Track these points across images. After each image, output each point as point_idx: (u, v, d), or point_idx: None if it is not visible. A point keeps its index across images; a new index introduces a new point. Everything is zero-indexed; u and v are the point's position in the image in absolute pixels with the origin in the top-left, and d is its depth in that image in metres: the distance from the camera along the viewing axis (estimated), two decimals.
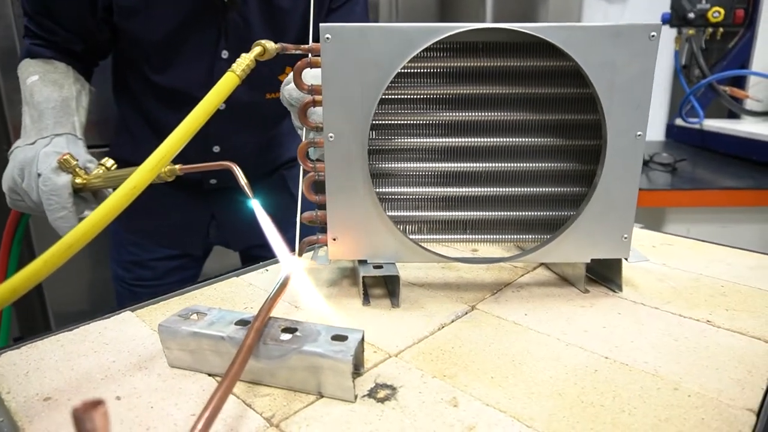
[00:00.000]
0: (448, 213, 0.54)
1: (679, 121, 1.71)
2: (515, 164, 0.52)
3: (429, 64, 0.50)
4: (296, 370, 0.38)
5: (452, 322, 0.48)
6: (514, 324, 0.48)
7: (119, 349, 0.44)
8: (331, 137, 0.48)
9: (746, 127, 1.48)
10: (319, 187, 0.52)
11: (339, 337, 0.38)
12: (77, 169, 0.62)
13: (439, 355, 0.43)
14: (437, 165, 0.52)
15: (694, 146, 1.64)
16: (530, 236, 0.54)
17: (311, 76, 0.49)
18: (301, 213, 0.53)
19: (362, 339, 0.39)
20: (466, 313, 0.50)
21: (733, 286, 0.55)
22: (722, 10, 1.54)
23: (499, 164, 0.52)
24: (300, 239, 0.53)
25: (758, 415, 0.36)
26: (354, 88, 0.47)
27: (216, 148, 0.85)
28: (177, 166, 0.58)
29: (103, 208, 0.34)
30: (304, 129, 0.52)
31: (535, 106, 0.51)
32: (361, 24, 0.46)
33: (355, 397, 0.37)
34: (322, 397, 0.38)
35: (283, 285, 0.44)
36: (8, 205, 0.68)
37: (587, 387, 0.38)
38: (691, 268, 0.59)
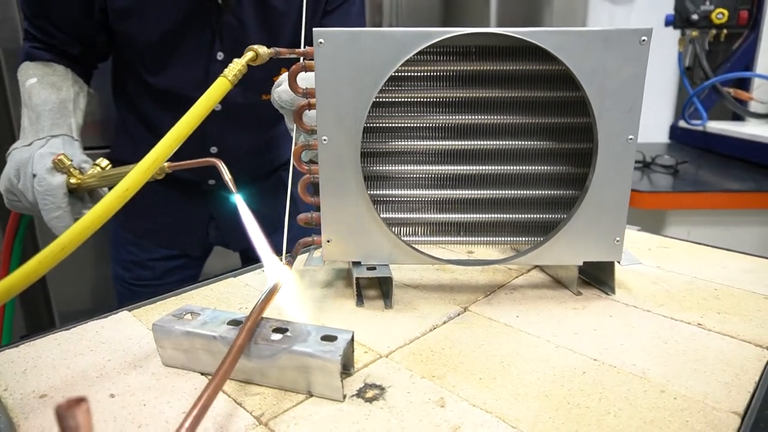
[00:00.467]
0: (441, 215, 0.54)
1: (682, 123, 1.70)
2: (508, 167, 0.53)
3: (422, 68, 0.51)
4: (286, 369, 0.38)
5: (444, 323, 0.49)
6: (505, 326, 0.48)
7: (115, 348, 0.45)
8: (324, 140, 0.49)
9: (750, 129, 1.47)
10: (314, 189, 0.53)
11: (328, 338, 0.39)
12: (72, 170, 0.63)
13: (429, 356, 0.43)
14: (431, 168, 0.53)
15: (697, 148, 1.64)
16: (524, 238, 0.55)
17: (302, 78, 0.50)
18: (296, 213, 0.53)
19: (352, 339, 0.40)
20: (459, 315, 0.50)
21: (727, 290, 0.55)
22: (726, 12, 1.53)
23: (493, 167, 0.53)
24: (295, 241, 0.54)
25: (743, 418, 0.36)
26: (347, 92, 0.47)
27: (213, 149, 0.85)
28: (166, 164, 0.58)
29: (97, 210, 0.34)
30: (295, 131, 0.53)
31: (528, 109, 0.51)
32: (354, 29, 0.47)
33: (344, 396, 0.38)
34: (311, 396, 0.38)
35: (276, 287, 0.45)
36: (6, 206, 0.69)
37: (574, 389, 0.39)
38: (686, 271, 0.59)
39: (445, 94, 0.51)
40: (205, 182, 0.90)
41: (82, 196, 0.66)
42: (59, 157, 0.62)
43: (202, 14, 0.75)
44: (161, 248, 0.94)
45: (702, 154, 1.58)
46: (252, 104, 0.83)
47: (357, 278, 0.52)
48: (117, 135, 0.93)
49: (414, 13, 1.90)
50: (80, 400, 0.19)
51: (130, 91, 0.84)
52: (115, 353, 0.44)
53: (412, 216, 0.54)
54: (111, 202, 0.35)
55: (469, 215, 0.54)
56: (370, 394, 0.38)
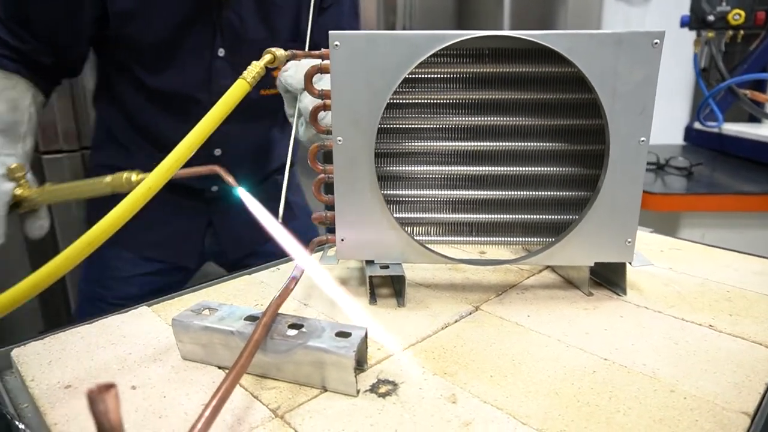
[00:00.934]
0: (454, 215, 0.55)
1: (697, 125, 1.69)
2: (520, 168, 0.53)
3: (436, 70, 0.51)
4: (301, 364, 0.39)
5: (456, 321, 0.49)
6: (516, 325, 0.49)
7: (135, 342, 0.47)
8: (339, 141, 0.50)
9: (767, 131, 1.46)
10: (328, 188, 0.54)
11: (343, 334, 0.40)
12: (23, 182, 0.63)
13: (441, 353, 0.44)
14: (444, 168, 0.54)
15: (712, 150, 1.62)
16: (536, 239, 0.55)
17: (297, 81, 0.51)
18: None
19: (365, 336, 0.41)
20: (470, 314, 0.51)
21: (739, 292, 0.55)
22: (743, 13, 1.52)
23: (505, 168, 0.53)
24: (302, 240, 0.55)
25: (753, 418, 0.36)
26: (362, 94, 0.48)
27: (217, 151, 0.85)
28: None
29: (118, 211, 0.36)
30: (295, 118, 0.54)
31: (540, 111, 0.52)
32: (369, 32, 0.47)
33: (357, 391, 0.39)
34: (325, 391, 0.39)
35: (291, 283, 0.46)
36: None
37: (584, 387, 0.39)
38: (698, 273, 0.60)
39: (458, 96, 0.52)
40: (209, 189, 0.89)
41: (39, 211, 0.67)
42: (14, 166, 0.62)
43: (203, 11, 0.75)
44: (154, 261, 0.91)
45: (717, 156, 1.56)
46: (252, 100, 0.81)
47: (370, 276, 0.53)
48: (100, 141, 0.90)
49: (427, 14, 1.91)
50: (110, 386, 0.20)
51: (122, 97, 0.82)
52: (135, 347, 0.46)
53: (424, 216, 0.55)
54: (134, 200, 0.36)
55: (481, 215, 0.55)
56: (383, 389, 0.39)
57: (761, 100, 1.56)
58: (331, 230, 0.55)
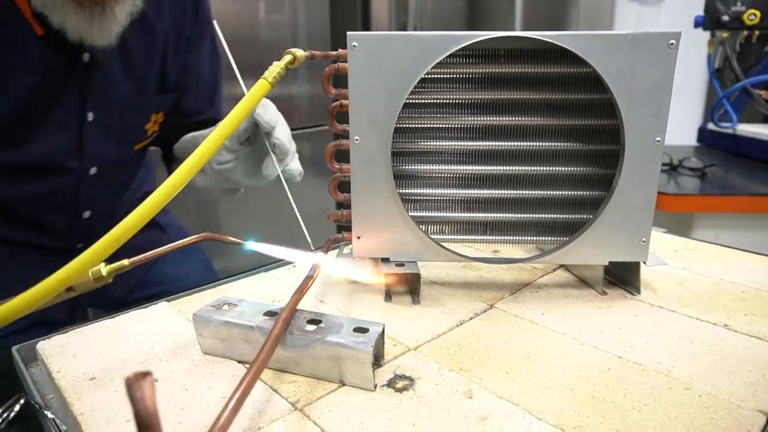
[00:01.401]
0: (469, 214, 0.55)
1: (711, 126, 1.68)
2: (535, 167, 0.54)
3: (452, 70, 0.52)
4: (320, 359, 0.40)
5: (470, 319, 0.50)
6: (530, 323, 0.49)
7: (156, 336, 0.48)
8: (356, 140, 0.51)
9: None
10: (343, 187, 0.54)
11: (360, 329, 0.40)
12: None
13: (456, 350, 0.45)
14: (459, 167, 0.54)
15: (726, 151, 1.61)
16: (550, 238, 0.55)
17: (270, 117, 0.55)
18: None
19: (383, 332, 0.41)
20: (485, 311, 0.51)
21: (754, 292, 0.55)
22: (758, 13, 1.51)
23: (520, 167, 0.54)
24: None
25: None
26: (379, 93, 0.49)
27: (86, 213, 0.79)
28: (125, 261, 0.45)
29: (143, 208, 0.36)
30: (271, 154, 0.57)
31: (555, 111, 0.52)
32: (386, 32, 0.48)
33: (375, 386, 0.39)
34: (343, 385, 0.40)
35: (309, 280, 0.47)
36: None
37: (599, 384, 0.40)
38: (712, 273, 0.60)
39: (473, 96, 0.53)
40: (75, 249, 0.79)
41: None
42: None
43: (67, 76, 0.68)
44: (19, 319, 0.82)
45: (731, 157, 1.55)
46: (124, 157, 0.80)
47: (386, 274, 0.53)
48: None
49: (439, 15, 1.91)
50: (146, 374, 0.21)
51: None
52: (156, 341, 0.47)
53: (439, 215, 0.56)
54: (158, 199, 0.37)
55: (495, 214, 0.55)
56: (400, 384, 0.40)
57: None
58: (345, 228, 0.56)
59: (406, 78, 0.49)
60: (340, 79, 0.51)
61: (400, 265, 0.54)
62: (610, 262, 0.54)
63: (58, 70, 0.67)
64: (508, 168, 0.54)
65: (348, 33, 0.48)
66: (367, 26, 1.82)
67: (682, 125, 1.77)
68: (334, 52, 0.51)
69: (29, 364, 0.46)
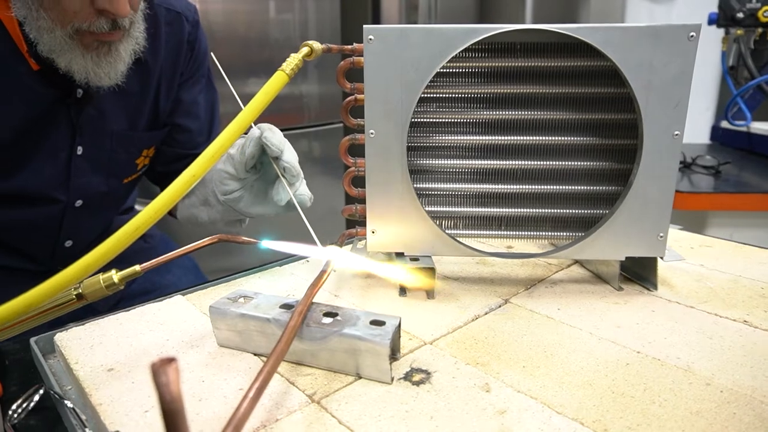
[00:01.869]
0: (484, 209, 0.55)
1: (724, 124, 1.66)
2: (551, 162, 0.53)
3: (468, 64, 0.52)
4: (336, 351, 0.40)
5: (486, 314, 0.50)
6: (546, 318, 0.49)
7: (172, 329, 0.48)
8: (372, 134, 0.50)
9: None
10: (357, 182, 0.54)
11: (377, 322, 0.40)
12: None
13: (472, 344, 0.44)
14: (474, 162, 0.54)
15: (740, 149, 1.59)
16: (565, 233, 0.55)
17: (277, 140, 0.55)
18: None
19: (399, 325, 0.41)
20: (500, 306, 0.51)
21: None
22: None
23: (536, 162, 0.53)
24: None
25: None
26: (395, 87, 0.49)
27: (68, 243, 0.79)
28: (137, 267, 0.46)
29: (166, 194, 0.37)
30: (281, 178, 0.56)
31: (572, 105, 0.52)
32: (403, 26, 0.48)
33: (392, 379, 0.39)
34: (360, 378, 0.40)
35: (324, 273, 0.46)
36: None
37: (618, 379, 0.39)
38: (730, 270, 0.59)
39: (489, 90, 0.52)
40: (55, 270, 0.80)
41: None
42: None
43: (59, 109, 0.68)
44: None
45: (745, 155, 1.54)
46: (113, 190, 0.79)
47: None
48: None
49: (449, 13, 1.90)
50: (171, 360, 0.21)
51: None
52: (172, 333, 0.47)
53: (455, 209, 0.55)
54: (177, 189, 0.37)
55: (511, 209, 0.55)
56: (416, 377, 0.40)
57: None
58: (358, 223, 0.56)
59: (423, 71, 0.48)
60: (355, 74, 0.51)
61: (415, 259, 0.54)
62: (626, 258, 0.53)
63: (50, 104, 0.67)
64: (523, 163, 0.53)
65: (364, 26, 0.48)
66: (377, 24, 1.82)
67: (696, 123, 1.76)
68: (350, 46, 0.51)
69: (47, 356, 0.47)
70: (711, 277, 0.57)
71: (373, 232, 0.54)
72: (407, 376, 0.40)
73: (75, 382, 0.41)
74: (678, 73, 0.47)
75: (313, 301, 0.43)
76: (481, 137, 0.53)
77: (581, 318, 0.49)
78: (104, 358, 0.43)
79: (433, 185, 0.55)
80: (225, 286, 0.57)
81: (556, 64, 0.51)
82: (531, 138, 0.53)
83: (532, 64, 0.51)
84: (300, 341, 0.41)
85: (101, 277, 0.43)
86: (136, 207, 0.97)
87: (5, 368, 0.47)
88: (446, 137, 0.54)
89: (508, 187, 0.54)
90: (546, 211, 0.54)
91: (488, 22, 0.48)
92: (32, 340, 0.47)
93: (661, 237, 0.52)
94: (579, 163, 0.53)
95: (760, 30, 1.53)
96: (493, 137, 0.53)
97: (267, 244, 0.52)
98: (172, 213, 0.82)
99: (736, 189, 1.18)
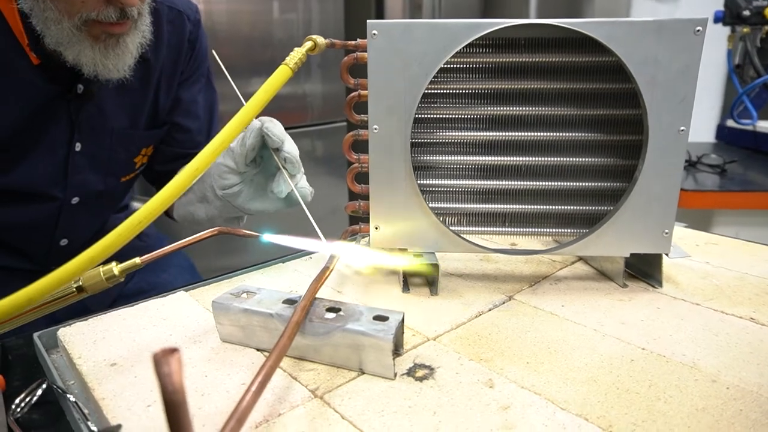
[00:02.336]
0: (488, 206, 0.55)
1: (730, 122, 1.65)
2: (555, 158, 0.53)
3: (472, 60, 0.51)
4: (339, 347, 0.40)
5: (489, 310, 0.49)
6: (550, 314, 0.48)
7: (175, 324, 0.48)
8: (375, 129, 0.50)
9: None
10: (360, 178, 0.54)
11: (380, 318, 0.40)
12: None
13: (476, 340, 0.44)
14: (478, 158, 0.54)
15: (746, 148, 1.58)
16: (569, 230, 0.55)
17: (279, 131, 0.54)
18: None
19: (402, 320, 0.41)
20: (504, 303, 0.51)
21: None
22: None
23: (540, 158, 0.53)
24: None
25: None
26: (398, 83, 0.49)
27: (63, 241, 0.78)
28: (137, 259, 0.45)
29: (169, 188, 0.36)
30: (282, 169, 0.56)
31: (577, 100, 0.52)
32: (407, 20, 0.48)
33: (395, 374, 0.39)
34: (363, 373, 0.40)
35: (327, 269, 0.46)
36: None
37: (623, 375, 0.39)
38: (736, 267, 0.58)
39: (493, 86, 0.52)
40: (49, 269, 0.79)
41: None
42: None
43: (58, 105, 0.67)
44: None
45: (751, 154, 1.53)
46: (111, 189, 0.79)
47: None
48: None
49: (453, 10, 1.90)
50: (173, 350, 0.21)
51: None
52: (175, 329, 0.47)
53: (459, 206, 0.55)
54: (180, 183, 0.37)
55: (515, 206, 0.54)
56: (420, 373, 0.40)
57: None
58: (361, 219, 0.56)
59: (426, 66, 0.48)
60: (359, 70, 0.51)
61: (418, 255, 0.54)
62: (631, 255, 0.53)
63: (50, 99, 0.66)
64: (527, 159, 0.53)
65: (368, 21, 0.48)
66: None
67: (701, 122, 1.75)
68: (353, 42, 0.51)
69: (50, 351, 0.47)
70: (717, 274, 0.57)
71: (376, 228, 0.54)
72: (410, 372, 0.40)
73: (78, 377, 0.41)
74: (684, 68, 0.47)
75: (316, 296, 0.43)
76: (484, 133, 0.53)
77: (585, 315, 0.48)
78: (107, 353, 0.43)
79: (437, 181, 0.55)
80: (228, 282, 0.57)
81: (560, 60, 0.50)
82: (535, 134, 0.53)
83: (537, 59, 0.50)
84: (303, 336, 0.41)
85: (101, 269, 0.43)
86: (134, 204, 0.97)
87: (8, 363, 0.47)
88: (450, 133, 0.53)
89: (512, 183, 0.54)
90: (550, 207, 0.54)
91: (492, 18, 0.47)
92: (35, 335, 0.47)
93: (667, 234, 0.51)
94: (584, 159, 0.53)
95: (766, 28, 1.52)
96: (497, 133, 0.53)
97: (269, 237, 0.52)
98: (168, 213, 0.81)
99: (742, 187, 1.17)
